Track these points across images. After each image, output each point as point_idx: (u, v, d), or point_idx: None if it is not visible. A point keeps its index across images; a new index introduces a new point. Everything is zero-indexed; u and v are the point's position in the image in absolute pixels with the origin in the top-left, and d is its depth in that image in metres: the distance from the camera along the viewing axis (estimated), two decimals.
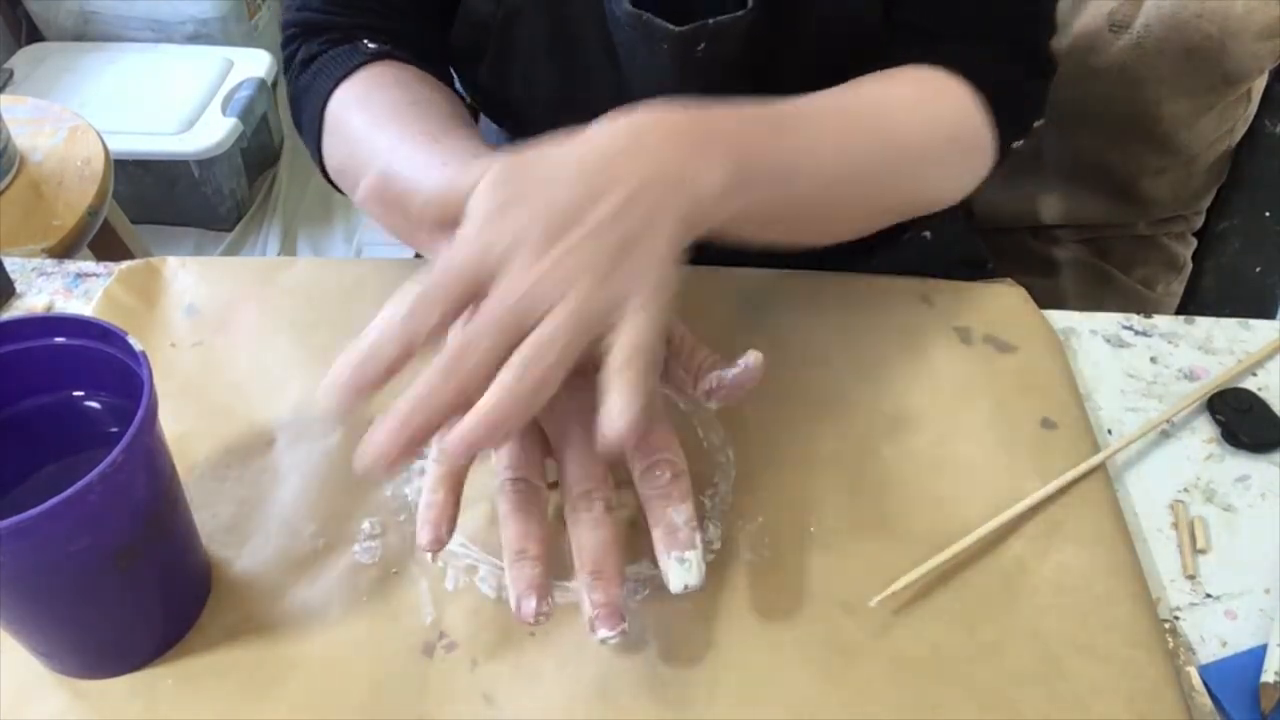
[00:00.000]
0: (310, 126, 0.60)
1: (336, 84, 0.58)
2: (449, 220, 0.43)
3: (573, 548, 0.42)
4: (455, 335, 0.40)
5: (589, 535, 0.42)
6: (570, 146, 0.44)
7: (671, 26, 0.56)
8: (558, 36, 0.61)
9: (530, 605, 0.40)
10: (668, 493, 0.42)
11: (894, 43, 0.59)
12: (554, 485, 0.45)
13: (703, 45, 0.57)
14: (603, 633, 0.40)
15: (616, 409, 0.38)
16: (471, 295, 0.40)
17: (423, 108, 0.56)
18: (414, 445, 0.38)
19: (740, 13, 0.57)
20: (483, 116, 0.77)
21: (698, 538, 0.42)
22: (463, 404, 0.38)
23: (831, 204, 0.52)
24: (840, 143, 0.51)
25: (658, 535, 0.42)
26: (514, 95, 0.65)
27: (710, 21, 0.56)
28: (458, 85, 0.67)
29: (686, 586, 0.41)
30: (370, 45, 0.59)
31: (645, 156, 0.43)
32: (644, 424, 0.39)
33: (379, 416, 0.38)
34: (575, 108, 0.64)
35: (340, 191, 0.60)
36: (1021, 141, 0.62)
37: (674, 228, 0.42)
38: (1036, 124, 0.62)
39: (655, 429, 0.44)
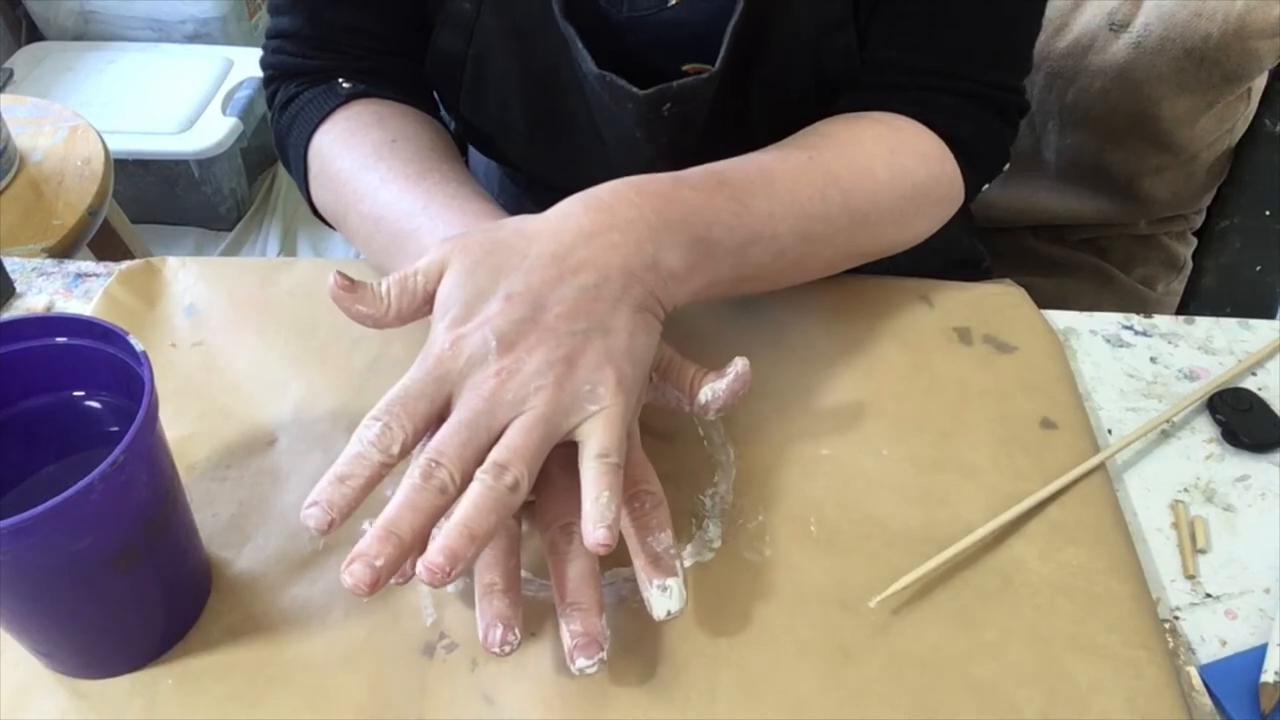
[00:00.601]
0: (296, 168, 0.61)
1: (316, 126, 0.59)
2: (407, 309, 0.45)
3: (552, 579, 0.43)
4: (426, 448, 0.41)
5: (567, 567, 0.42)
6: (534, 232, 0.45)
7: (636, 90, 0.55)
8: (529, 77, 0.61)
9: (496, 635, 0.40)
10: (647, 522, 0.43)
11: (865, 88, 0.59)
12: (530, 504, 0.46)
13: (668, 105, 0.57)
14: (581, 662, 0.40)
15: (595, 516, 0.39)
16: (440, 406, 0.42)
17: (403, 145, 0.57)
18: (392, 566, 0.38)
19: (705, 75, 0.56)
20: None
21: (679, 564, 0.42)
22: (436, 517, 0.39)
23: (790, 264, 0.53)
24: (802, 208, 0.52)
25: (639, 565, 0.42)
26: (491, 128, 0.65)
27: (674, 85, 0.56)
28: (443, 113, 0.67)
29: (669, 613, 0.41)
30: (345, 85, 0.60)
31: (608, 245, 0.45)
32: (619, 522, 0.40)
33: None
34: (552, 142, 0.64)
35: (331, 227, 0.61)
36: (988, 185, 0.62)
37: (636, 316, 0.44)
38: (1005, 168, 0.62)
39: (633, 461, 0.45)
